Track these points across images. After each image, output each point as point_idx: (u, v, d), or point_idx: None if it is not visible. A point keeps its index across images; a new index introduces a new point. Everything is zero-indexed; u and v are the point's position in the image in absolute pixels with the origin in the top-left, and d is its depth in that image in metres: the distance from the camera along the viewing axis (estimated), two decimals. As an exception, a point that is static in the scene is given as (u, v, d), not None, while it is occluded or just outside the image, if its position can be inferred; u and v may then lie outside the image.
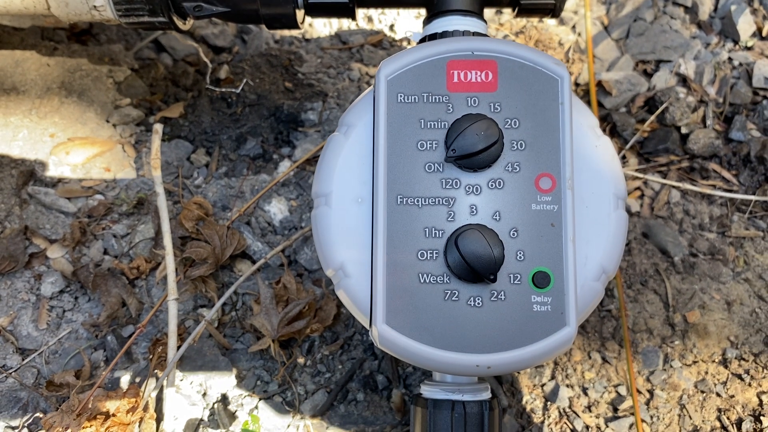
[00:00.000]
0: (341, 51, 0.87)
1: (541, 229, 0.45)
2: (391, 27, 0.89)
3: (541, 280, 0.45)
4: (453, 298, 0.44)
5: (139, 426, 0.55)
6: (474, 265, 0.43)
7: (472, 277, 0.44)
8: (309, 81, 0.82)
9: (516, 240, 0.45)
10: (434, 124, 0.46)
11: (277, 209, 0.71)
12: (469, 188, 0.45)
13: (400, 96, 0.47)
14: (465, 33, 0.54)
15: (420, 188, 0.46)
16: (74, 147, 0.72)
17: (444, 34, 0.55)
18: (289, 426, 0.63)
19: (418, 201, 0.46)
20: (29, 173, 0.70)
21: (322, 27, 0.90)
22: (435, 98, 0.47)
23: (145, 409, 0.56)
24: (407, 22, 0.90)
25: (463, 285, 0.45)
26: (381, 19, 0.90)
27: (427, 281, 0.45)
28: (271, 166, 0.75)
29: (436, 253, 0.45)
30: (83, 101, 0.75)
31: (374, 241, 0.45)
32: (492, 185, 0.46)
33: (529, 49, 0.48)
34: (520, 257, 0.45)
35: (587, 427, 0.65)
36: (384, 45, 0.87)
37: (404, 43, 0.88)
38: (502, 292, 0.45)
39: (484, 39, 0.48)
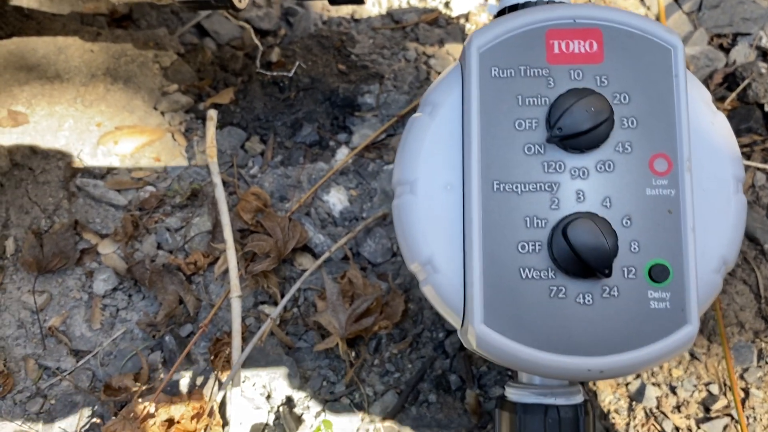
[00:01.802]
0: (394, 30, 0.82)
1: (658, 217, 0.40)
2: (447, 4, 0.84)
3: (658, 274, 0.40)
4: (559, 296, 0.40)
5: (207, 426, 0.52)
6: (586, 258, 0.38)
7: (581, 272, 0.39)
8: (363, 63, 0.77)
9: (629, 229, 0.40)
10: (534, 101, 0.41)
11: (337, 199, 0.67)
12: (575, 172, 0.41)
13: (494, 70, 0.42)
14: (548, 4, 0.49)
15: (519, 173, 0.41)
16: (122, 136, 0.68)
17: (527, 4, 0.49)
18: (358, 429, 0.59)
19: (517, 187, 0.41)
20: (77, 164, 0.66)
21: (371, 5, 0.85)
22: (534, 72, 0.42)
23: (211, 414, 0.53)
24: (464, 0, 0.85)
25: (570, 280, 0.40)
26: (435, -4, 0.85)
27: (530, 277, 0.40)
28: (328, 153, 0.70)
29: (539, 245, 0.40)
30: (129, 88, 0.71)
31: (467, 233, 0.41)
32: (601, 168, 0.41)
33: (638, 16, 0.43)
34: (635, 248, 0.40)
35: (677, 428, 0.61)
36: (440, 23, 0.82)
37: (461, 21, 0.83)
38: (615, 288, 0.40)
39: (586, 5, 0.43)
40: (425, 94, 0.46)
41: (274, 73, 0.74)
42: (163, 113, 0.71)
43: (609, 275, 0.39)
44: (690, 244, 0.40)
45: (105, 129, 0.69)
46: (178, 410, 0.50)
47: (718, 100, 0.76)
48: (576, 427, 0.47)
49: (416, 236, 0.43)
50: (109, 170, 0.67)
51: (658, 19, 0.80)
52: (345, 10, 0.86)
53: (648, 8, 0.82)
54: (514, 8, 0.50)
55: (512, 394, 0.48)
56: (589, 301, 0.40)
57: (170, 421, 0.50)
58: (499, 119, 0.42)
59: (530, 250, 0.40)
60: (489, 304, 0.40)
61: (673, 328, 0.40)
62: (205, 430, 0.52)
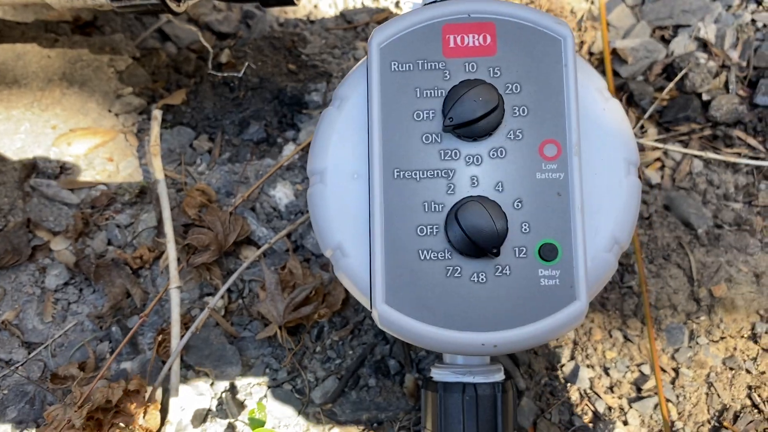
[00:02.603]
0: (346, 30, 0.85)
1: (547, 199, 0.43)
2: (396, 4, 0.87)
3: (548, 253, 0.42)
4: (455, 275, 0.42)
5: (144, 417, 0.54)
6: (476, 239, 0.40)
7: (474, 252, 0.42)
8: (313, 62, 0.80)
9: (520, 211, 0.43)
10: (430, 93, 0.44)
11: (283, 194, 0.70)
12: (469, 159, 0.43)
13: (394, 64, 0.44)
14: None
15: (418, 161, 0.43)
16: (76, 138, 0.71)
17: (441, 2, 0.52)
18: (299, 414, 0.61)
19: (416, 174, 0.43)
20: (32, 166, 0.69)
21: (327, 7, 0.88)
22: (431, 65, 0.44)
23: (150, 400, 0.55)
24: (413, -1, 0.87)
25: (465, 260, 0.42)
26: (386, -3, 0.88)
27: (428, 258, 0.43)
28: (275, 150, 0.73)
29: (436, 228, 0.43)
30: (85, 92, 0.74)
31: (371, 218, 0.43)
32: (493, 154, 0.43)
33: (529, 9, 0.45)
34: (525, 229, 0.42)
35: (610, 408, 0.63)
36: (389, 22, 0.84)
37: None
38: (507, 267, 0.42)
39: (480, 1, 0.46)
40: (336, 88, 0.48)
41: (225, 74, 0.76)
42: (117, 115, 0.74)
43: (497, 254, 0.41)
44: (578, 224, 0.42)
45: (60, 131, 0.72)
46: (117, 395, 0.53)
47: (657, 90, 0.78)
48: (494, 404, 0.49)
49: (327, 223, 0.46)
50: (63, 171, 0.70)
51: (599, 13, 0.82)
52: (302, 12, 0.88)
53: (592, 2, 0.85)
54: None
55: (435, 374, 0.51)
56: (483, 279, 0.42)
57: (110, 406, 0.53)
58: (399, 111, 0.44)
59: (428, 233, 0.43)
60: (390, 285, 0.42)
61: (562, 304, 0.42)
62: (144, 414, 0.54)
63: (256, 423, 0.56)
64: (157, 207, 0.65)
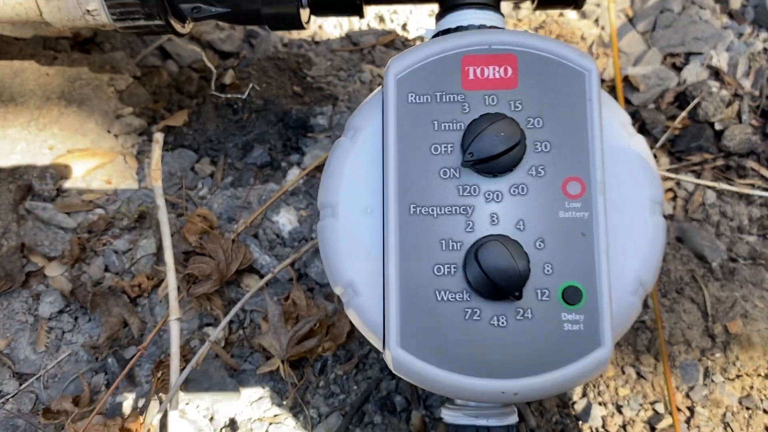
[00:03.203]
0: (352, 53, 0.83)
1: (571, 239, 0.41)
2: (404, 26, 0.85)
3: (571, 296, 0.40)
4: (474, 318, 0.40)
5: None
6: (497, 280, 0.39)
7: (494, 294, 0.40)
8: (318, 84, 0.78)
9: (542, 252, 0.41)
10: (449, 126, 0.42)
11: (286, 220, 0.68)
12: (489, 195, 0.41)
13: (411, 96, 0.43)
14: (481, 27, 0.49)
15: (435, 196, 0.41)
16: (74, 159, 0.68)
17: (458, 29, 0.50)
18: (301, 452, 0.59)
19: (433, 210, 0.41)
20: (27, 188, 0.67)
21: (332, 29, 0.86)
22: (449, 97, 0.42)
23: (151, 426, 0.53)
24: (420, 21, 0.86)
25: (485, 303, 0.40)
26: (393, 18, 0.86)
27: (445, 299, 0.41)
28: (279, 174, 0.71)
29: (454, 267, 0.41)
30: (83, 111, 0.72)
31: (385, 255, 0.41)
32: (514, 191, 0.41)
33: (552, 41, 0.43)
34: (548, 271, 0.40)
35: (623, 448, 0.61)
36: (396, 45, 0.83)
37: (417, 42, 0.84)
38: (529, 310, 0.40)
39: (501, 31, 0.44)
40: (349, 118, 0.46)
41: (228, 95, 0.74)
42: (116, 136, 0.72)
43: (520, 297, 0.39)
44: (603, 266, 0.40)
45: (57, 152, 0.70)
46: (111, 427, 0.50)
47: (669, 118, 0.76)
48: (507, 452, 0.47)
49: (338, 259, 0.44)
50: (60, 193, 0.67)
51: (610, 39, 0.81)
52: (306, 33, 0.87)
53: (602, 28, 0.83)
54: (447, 33, 0.51)
55: (447, 415, 0.48)
56: (503, 323, 0.40)
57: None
58: (416, 144, 0.42)
59: (446, 273, 0.41)
60: (405, 327, 0.40)
61: (587, 350, 0.40)
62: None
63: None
64: (156, 233, 0.63)
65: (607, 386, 0.63)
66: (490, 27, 0.49)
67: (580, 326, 0.40)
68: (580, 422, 0.62)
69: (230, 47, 0.84)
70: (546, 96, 0.42)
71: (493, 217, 0.41)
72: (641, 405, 0.62)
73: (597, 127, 0.42)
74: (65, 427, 0.52)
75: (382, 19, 0.87)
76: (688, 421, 0.62)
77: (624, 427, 0.62)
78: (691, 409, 0.62)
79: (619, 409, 0.62)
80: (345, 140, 0.45)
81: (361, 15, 0.57)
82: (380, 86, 0.45)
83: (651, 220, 0.43)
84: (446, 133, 0.42)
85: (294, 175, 0.70)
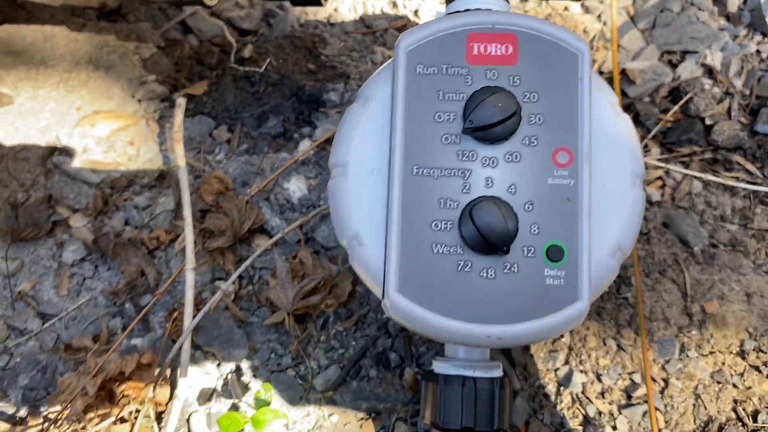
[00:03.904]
0: (365, 35, 0.87)
1: (557, 204, 0.45)
2: (416, 12, 0.89)
3: (555, 254, 0.44)
4: (466, 269, 0.44)
5: (154, 391, 0.56)
6: (488, 236, 0.43)
7: (485, 249, 0.44)
8: (332, 63, 0.82)
9: (531, 213, 0.45)
10: (452, 96, 0.46)
11: (296, 187, 0.72)
12: (485, 161, 0.45)
13: (419, 67, 0.47)
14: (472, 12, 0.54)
15: (436, 159, 0.46)
16: (99, 120, 0.73)
17: (467, 12, 0.54)
18: (301, 399, 0.63)
19: (433, 172, 0.46)
20: (55, 144, 0.71)
21: (347, 12, 0.90)
22: (454, 70, 0.47)
23: (160, 375, 0.57)
24: (432, 8, 0.90)
25: (476, 256, 0.44)
26: (405, 5, 0.90)
27: (441, 252, 0.45)
28: (291, 144, 0.75)
29: (450, 224, 0.45)
30: (110, 76, 0.76)
31: (389, 211, 0.45)
32: (508, 158, 0.45)
33: (550, 24, 0.47)
34: (535, 231, 0.45)
35: (600, 413, 0.65)
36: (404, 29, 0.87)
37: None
38: (515, 265, 0.44)
39: (505, 13, 0.48)
40: (361, 87, 0.51)
41: (246, 69, 0.79)
42: (139, 101, 0.76)
43: (507, 252, 0.44)
44: (585, 229, 0.45)
45: (84, 113, 0.74)
46: (129, 366, 0.55)
47: (663, 111, 0.81)
48: (491, 398, 0.51)
49: (346, 214, 0.48)
50: (85, 151, 0.72)
51: (611, 35, 0.85)
52: (322, 14, 0.91)
53: (604, 24, 0.88)
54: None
55: (436, 366, 0.53)
56: (491, 275, 0.44)
57: (122, 376, 0.55)
58: (422, 111, 0.46)
59: (442, 228, 0.45)
60: (403, 275, 0.45)
61: (565, 303, 0.44)
62: (154, 387, 0.56)
63: (261, 403, 0.58)
64: (176, 191, 0.67)
65: (589, 356, 0.68)
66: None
67: (561, 281, 0.44)
68: (562, 387, 0.66)
69: (249, 25, 0.88)
70: (542, 73, 0.46)
71: (488, 180, 0.45)
72: (620, 375, 0.67)
73: (586, 103, 0.46)
74: (87, 360, 0.56)
75: (395, 5, 0.91)
76: (662, 392, 0.66)
77: (602, 393, 0.66)
78: (665, 381, 0.66)
79: (598, 377, 0.67)
80: (356, 107, 0.49)
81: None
82: (391, 59, 0.50)
83: (631, 192, 0.47)
84: (449, 102, 0.46)
85: (305, 146, 0.75)
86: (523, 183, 0.45)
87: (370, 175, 0.47)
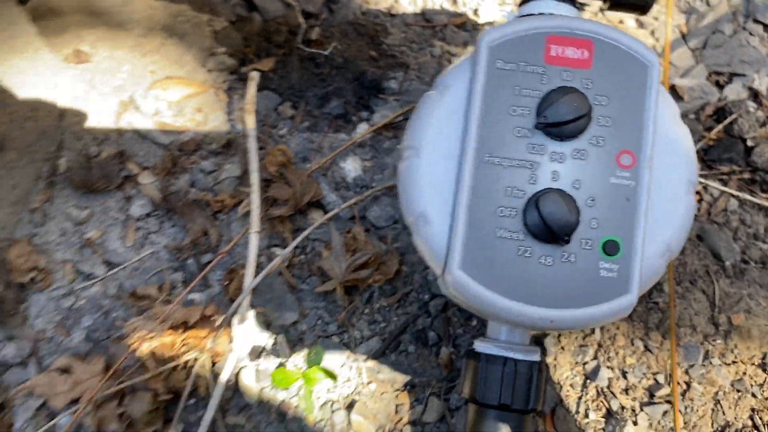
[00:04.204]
0: (424, 28, 0.91)
1: (617, 202, 0.48)
2: (475, 11, 0.92)
3: (610, 249, 0.48)
4: (526, 255, 0.48)
5: (213, 342, 0.60)
6: (551, 225, 0.46)
7: (547, 237, 0.47)
8: (392, 52, 0.86)
9: (592, 209, 0.48)
10: (528, 92, 0.49)
11: (352, 167, 0.75)
12: (553, 155, 0.49)
13: (499, 62, 0.50)
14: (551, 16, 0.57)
15: (507, 150, 0.49)
16: (172, 85, 0.77)
17: (546, 15, 0.58)
18: (343, 365, 0.67)
19: (503, 161, 0.49)
20: (129, 103, 0.75)
21: (407, 4, 0.94)
22: (531, 68, 0.50)
23: (220, 327, 0.61)
24: (491, 9, 0.93)
25: (536, 244, 0.48)
26: (465, 2, 0.93)
27: (503, 236, 0.48)
28: (350, 126, 0.79)
29: (515, 211, 0.48)
30: (183, 45, 0.80)
31: (458, 194, 0.49)
32: (575, 155, 0.49)
33: (625, 34, 0.51)
34: (594, 225, 0.48)
35: (623, 407, 0.68)
36: (467, 27, 0.91)
37: (486, 27, 0.91)
38: (573, 255, 0.48)
39: (584, 20, 0.51)
40: (439, 76, 0.54)
41: (312, 50, 0.82)
42: (209, 71, 0.80)
43: (568, 242, 0.47)
44: (641, 228, 0.48)
45: (157, 77, 0.78)
46: (193, 316, 0.59)
47: (706, 129, 0.83)
48: (529, 380, 0.55)
49: (415, 193, 0.51)
50: (156, 113, 0.76)
51: (663, 50, 0.88)
52: (383, 4, 0.94)
53: (657, 40, 0.90)
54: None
55: (479, 346, 0.56)
56: (549, 262, 0.48)
57: (185, 324, 0.59)
58: (498, 104, 0.50)
59: (507, 215, 0.48)
60: (466, 254, 0.48)
61: (616, 294, 0.48)
62: (214, 337, 0.60)
63: (313, 361, 0.62)
64: (242, 159, 0.71)
65: (617, 353, 0.71)
66: (567, 17, 0.57)
67: (613, 274, 0.48)
68: (588, 380, 0.70)
69: (312, 8, 0.91)
70: (613, 79, 0.50)
71: (554, 174, 0.49)
72: (644, 374, 0.70)
73: (652, 111, 0.49)
74: (155, 307, 0.60)
75: (454, 2, 0.94)
76: (683, 394, 0.69)
77: (626, 390, 0.69)
78: (688, 384, 0.70)
79: (624, 374, 0.70)
80: (434, 93, 0.53)
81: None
82: (451, 62, 0.53)
83: (685, 198, 0.50)
84: (525, 98, 0.49)
85: (363, 130, 0.78)
86: (587, 179, 0.48)
87: (442, 159, 0.51)
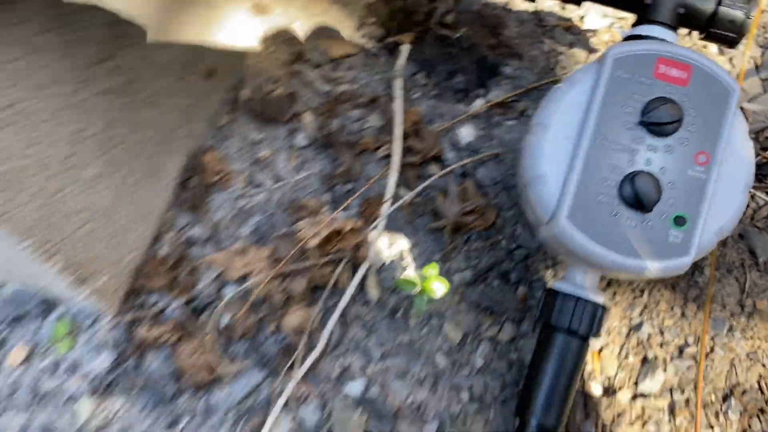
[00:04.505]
0: (536, 26, 1.07)
1: (691, 189, 0.64)
2: (581, 18, 1.08)
3: (680, 221, 0.64)
4: (617, 216, 0.65)
5: (357, 250, 0.78)
6: (641, 197, 0.63)
7: (635, 206, 0.64)
8: (509, 43, 1.02)
9: (671, 190, 0.65)
10: (638, 97, 0.66)
11: (467, 133, 0.93)
12: (649, 146, 0.65)
13: (619, 71, 0.66)
14: (663, 42, 0.73)
15: (615, 137, 0.65)
16: (333, 44, 0.94)
17: (647, 38, 0.74)
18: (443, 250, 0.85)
19: (612, 145, 0.65)
20: (298, 53, 0.93)
21: (520, 2, 1.09)
22: (642, 80, 0.66)
23: (364, 237, 0.79)
24: (594, 19, 1.08)
25: (626, 209, 0.64)
26: (573, 10, 1.09)
27: (602, 201, 0.65)
28: (468, 100, 0.96)
29: (614, 182, 0.65)
30: (343, 11, 0.98)
31: (572, 163, 0.66)
32: (666, 149, 0.65)
33: (717, 64, 0.67)
34: (671, 202, 0.64)
35: (656, 357, 0.86)
36: (573, 31, 1.07)
37: (588, 34, 1.07)
38: (651, 221, 0.64)
39: (687, 48, 0.68)
40: (570, 74, 0.71)
41: (445, 32, 0.99)
42: (362, 36, 0.97)
43: (650, 212, 0.64)
44: (705, 211, 0.64)
45: (321, 35, 0.95)
46: (347, 226, 0.77)
47: (762, 149, 0.99)
48: (593, 317, 0.72)
49: (538, 159, 0.68)
50: (322, 65, 0.94)
51: (738, 77, 1.03)
52: (500, 0, 1.10)
53: (733, 66, 1.06)
54: (637, 37, 0.74)
55: (557, 285, 0.74)
56: (633, 225, 0.65)
57: (339, 232, 0.77)
58: (614, 102, 0.66)
59: (607, 184, 0.65)
60: (572, 208, 0.65)
61: (678, 255, 0.64)
62: (358, 247, 0.78)
63: (428, 273, 0.80)
64: (385, 113, 0.89)
65: (658, 315, 0.88)
66: (671, 43, 0.73)
67: (678, 240, 0.64)
68: (632, 331, 0.87)
69: (441, -6, 1.08)
70: (703, 97, 0.66)
71: (647, 160, 0.65)
72: (678, 334, 0.87)
73: (729, 125, 0.65)
74: (320, 214, 0.78)
75: (564, 7, 1.10)
76: (707, 355, 0.86)
77: (661, 344, 0.87)
78: (711, 348, 0.87)
79: (662, 332, 0.87)
80: (564, 86, 0.70)
81: (578, 3, 0.80)
82: (557, 59, 0.69)
83: (741, 196, 0.67)
84: (634, 101, 0.66)
85: (479, 104, 0.95)
86: (670, 168, 0.65)
87: (563, 139, 0.67)
